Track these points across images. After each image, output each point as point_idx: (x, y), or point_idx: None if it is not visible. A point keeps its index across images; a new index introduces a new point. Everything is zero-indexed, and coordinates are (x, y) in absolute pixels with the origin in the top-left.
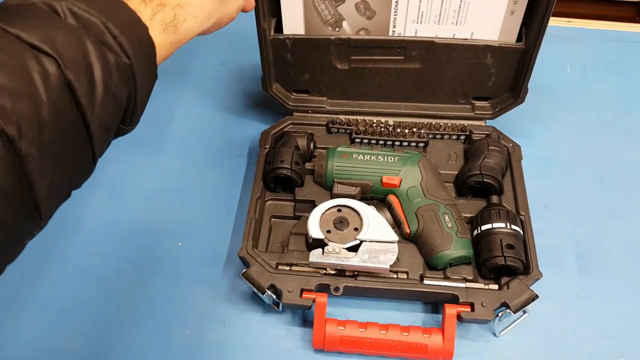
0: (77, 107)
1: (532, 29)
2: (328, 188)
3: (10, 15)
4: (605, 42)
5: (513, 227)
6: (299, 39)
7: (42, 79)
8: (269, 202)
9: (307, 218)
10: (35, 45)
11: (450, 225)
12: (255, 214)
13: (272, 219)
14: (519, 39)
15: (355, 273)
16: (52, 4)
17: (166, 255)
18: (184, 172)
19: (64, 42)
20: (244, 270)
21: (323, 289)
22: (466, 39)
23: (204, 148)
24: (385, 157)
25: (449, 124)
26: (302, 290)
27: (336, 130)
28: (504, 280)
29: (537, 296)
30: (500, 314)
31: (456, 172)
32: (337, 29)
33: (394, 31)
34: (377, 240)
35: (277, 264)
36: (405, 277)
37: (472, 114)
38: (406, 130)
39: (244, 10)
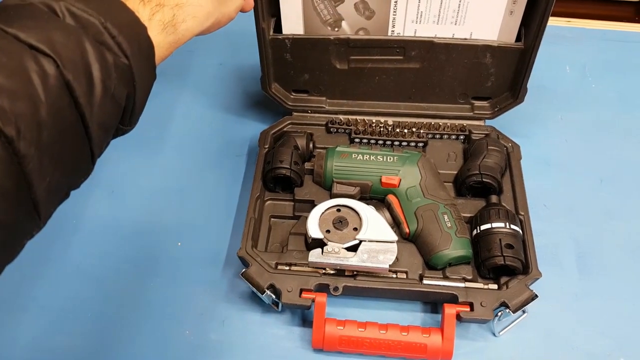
0: (75, 107)
1: (531, 28)
2: (327, 188)
3: (9, 15)
4: (604, 42)
5: (512, 226)
6: (298, 39)
7: (41, 79)
8: (269, 202)
9: (306, 218)
10: (33, 46)
11: (449, 225)
12: (255, 214)
13: (272, 219)
14: (518, 39)
15: (355, 273)
16: (51, 4)
17: (166, 255)
18: (183, 172)
19: (63, 42)
20: (244, 270)
21: (322, 288)
22: (465, 39)
23: (204, 148)
24: (385, 157)
25: (448, 124)
26: (301, 290)
27: (335, 130)
28: (503, 280)
29: (536, 296)
30: (499, 313)
31: (455, 172)
32: (336, 29)
33: (393, 31)
34: (376, 240)
35: (277, 264)
36: (405, 276)
37: (472, 113)
38: (405, 130)
39: (242, 11)
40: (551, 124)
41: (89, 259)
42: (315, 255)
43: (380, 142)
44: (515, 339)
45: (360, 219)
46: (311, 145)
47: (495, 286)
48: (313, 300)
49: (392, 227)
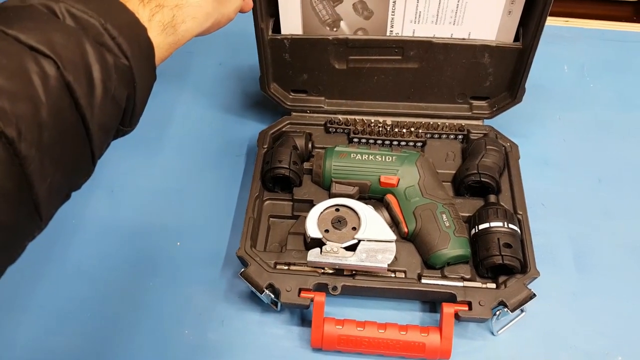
0: (76, 108)
1: (529, 28)
2: (326, 188)
3: (9, 17)
4: (602, 41)
5: (510, 226)
6: (297, 39)
7: (41, 80)
8: (267, 201)
9: (305, 217)
10: (34, 47)
11: (447, 224)
12: (254, 214)
13: (271, 219)
14: (516, 39)
15: (353, 272)
16: (51, 6)
17: (165, 255)
18: (182, 172)
19: (63, 44)
20: (242, 269)
21: (321, 288)
22: (464, 39)
23: (203, 148)
24: (383, 157)
25: (447, 124)
26: (300, 290)
27: (334, 130)
28: (501, 279)
29: (534, 295)
30: (497, 312)
31: (454, 172)
32: (335, 29)
33: (391, 31)
34: (374, 240)
35: (276, 264)
36: (403, 276)
37: (470, 113)
38: (404, 130)
39: (241, 11)
40: (549, 124)
41: (88, 259)
42: (314, 255)
43: (379, 141)
44: (514, 338)
45: (358, 218)
46: (310, 145)
47: (493, 285)
48: (312, 300)
49: (391, 227)
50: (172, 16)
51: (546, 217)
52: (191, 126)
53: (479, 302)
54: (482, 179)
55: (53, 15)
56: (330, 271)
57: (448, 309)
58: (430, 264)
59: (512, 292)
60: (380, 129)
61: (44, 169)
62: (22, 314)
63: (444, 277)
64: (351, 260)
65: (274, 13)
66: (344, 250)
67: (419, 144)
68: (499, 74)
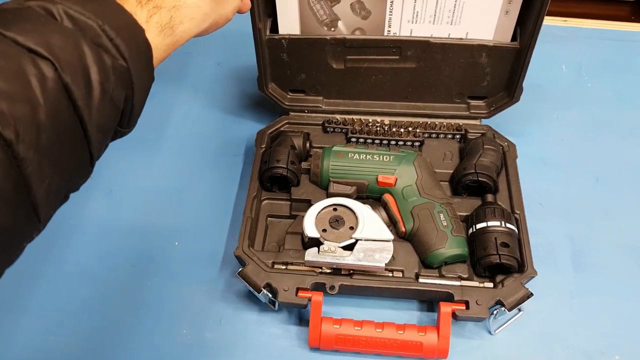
0: (74, 110)
1: (526, 28)
2: (324, 187)
3: (7, 19)
4: (600, 41)
5: (508, 225)
6: (295, 39)
7: (39, 82)
8: (265, 201)
9: (303, 217)
10: (31, 49)
11: (445, 223)
12: (251, 214)
13: (268, 218)
14: (513, 39)
15: (351, 272)
16: (48, 7)
17: (163, 255)
18: (180, 172)
19: (61, 45)
20: (240, 269)
21: (319, 287)
22: (461, 39)
23: (201, 148)
24: (381, 156)
25: (445, 123)
26: (297, 289)
27: (332, 129)
28: (498, 278)
29: (531, 294)
30: (495, 312)
31: (451, 171)
32: (332, 29)
33: (389, 31)
34: (372, 239)
35: (273, 263)
36: (401, 275)
37: (468, 113)
38: (402, 130)
39: (239, 12)
40: (547, 123)
41: (86, 259)
42: (311, 254)
43: (377, 141)
44: (511, 337)
45: (356, 218)
46: (308, 145)
47: (490, 284)
48: (309, 299)
49: (389, 226)
50: (169, 17)
51: (544, 217)
52: (189, 126)
53: (477, 302)
54: (479, 179)
55: (51, 17)
56: (328, 271)
57: (445, 308)
58: (427, 263)
59: (510, 291)
60: (378, 128)
61: (42, 171)
62: (21, 314)
63: (441, 276)
64: (349, 259)
65: (272, 13)
66: (341, 249)
67: (417, 143)
68: (497, 73)
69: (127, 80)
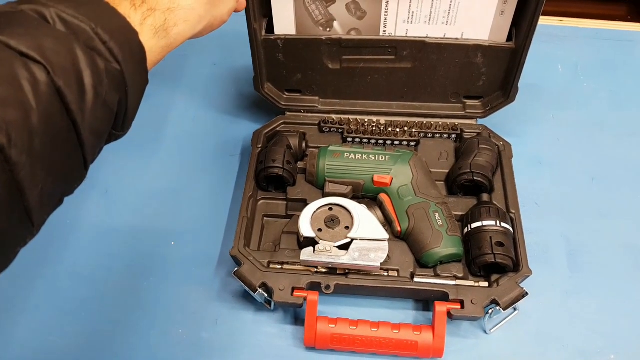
0: (67, 113)
1: (522, 28)
2: (320, 187)
3: None
4: (596, 40)
5: (503, 224)
6: (291, 39)
7: (32, 86)
8: (261, 201)
9: (298, 217)
10: (24, 53)
11: (440, 223)
12: (247, 213)
13: (265, 218)
14: (509, 39)
15: (346, 271)
16: (41, 11)
17: (159, 255)
18: (177, 172)
19: (53, 49)
20: (236, 269)
21: (314, 287)
22: (457, 39)
23: (197, 148)
24: (377, 156)
25: (440, 123)
26: (293, 289)
27: (328, 129)
28: (494, 277)
29: (526, 293)
30: (490, 311)
31: (447, 171)
32: (328, 29)
33: (384, 31)
34: (367, 239)
35: (269, 263)
36: (396, 275)
37: (463, 112)
38: (397, 129)
39: (235, 11)
40: (543, 123)
41: (83, 259)
42: (307, 254)
43: (373, 141)
44: (507, 336)
45: (351, 217)
46: (304, 145)
47: (486, 284)
48: (305, 299)
49: (384, 226)
50: (164, 20)
51: (540, 216)
52: (185, 127)
53: (472, 301)
54: (475, 178)
55: (44, 20)
56: (324, 270)
57: (440, 307)
58: (423, 262)
59: (505, 290)
60: (374, 128)
61: (35, 175)
62: (19, 314)
63: (436, 275)
64: (344, 259)
65: (267, 13)
66: (337, 249)
67: (413, 143)
68: (492, 73)
69: (120, 84)
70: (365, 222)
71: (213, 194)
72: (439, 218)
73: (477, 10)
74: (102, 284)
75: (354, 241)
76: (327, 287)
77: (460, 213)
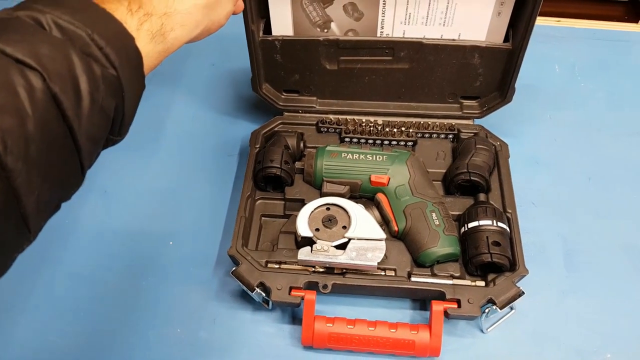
0: (63, 120)
1: (519, 30)
2: (317, 187)
3: None
4: (594, 41)
5: (499, 224)
6: (288, 40)
7: (27, 93)
8: (259, 201)
9: (296, 216)
10: (20, 60)
11: (437, 222)
12: (245, 213)
13: (262, 218)
14: (506, 40)
15: (344, 270)
16: (37, 17)
17: (157, 255)
18: (175, 172)
19: (49, 56)
20: (234, 268)
21: (312, 286)
22: (454, 40)
23: (196, 148)
24: (374, 156)
25: (437, 123)
26: (290, 288)
27: (326, 129)
28: (490, 277)
29: (523, 292)
30: (486, 310)
31: (444, 171)
32: (325, 30)
33: (382, 32)
34: (365, 238)
35: (267, 262)
36: (393, 274)
37: (460, 113)
38: (395, 130)
39: (233, 13)
40: (540, 123)
41: (81, 259)
42: (304, 254)
43: (370, 141)
44: (503, 335)
45: (349, 217)
46: (302, 145)
47: (482, 283)
48: (302, 298)
49: (381, 225)
50: (160, 24)
51: (536, 216)
52: (184, 127)
53: (468, 300)
54: (471, 178)
55: (40, 26)
56: (321, 270)
57: (437, 306)
58: (420, 262)
59: (501, 289)
60: (372, 128)
61: (31, 182)
62: (18, 314)
63: (433, 275)
64: (341, 258)
65: (265, 14)
66: (334, 248)
67: (410, 143)
68: (489, 74)
69: (117, 89)
70: (363, 222)
71: (211, 194)
72: (435, 218)
73: (474, 11)
74: (100, 283)
75: (351, 241)
76: (325, 286)
77: (457, 213)
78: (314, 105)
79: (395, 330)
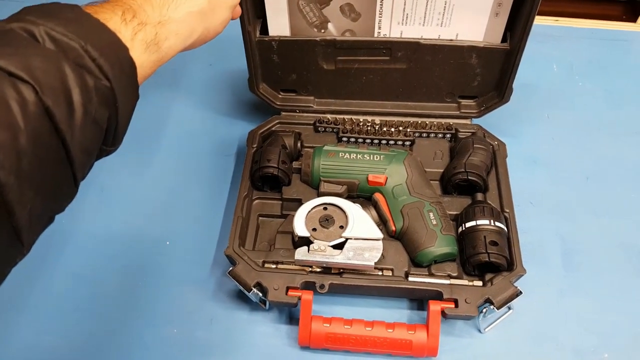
0: (56, 132)
1: (516, 30)
2: (315, 186)
3: None
4: (591, 40)
5: (497, 224)
6: (285, 41)
7: (20, 106)
8: (257, 200)
9: (293, 216)
10: (12, 73)
11: (435, 222)
12: (242, 213)
13: (260, 218)
14: (504, 40)
15: (341, 270)
16: (30, 29)
17: (154, 255)
18: (172, 173)
19: (42, 68)
20: (231, 268)
21: (309, 286)
22: (451, 40)
23: (193, 148)
24: (372, 156)
25: (435, 123)
26: (287, 288)
27: (323, 129)
28: (488, 276)
29: (520, 292)
30: (484, 310)
31: (442, 170)
32: (322, 31)
33: (379, 32)
34: (362, 238)
35: (264, 262)
36: (391, 274)
37: (458, 112)
38: (392, 129)
39: (231, 18)
40: (538, 123)
41: (78, 259)
42: (301, 253)
43: (368, 141)
44: (501, 335)
45: (346, 217)
46: (299, 145)
47: (480, 283)
48: (299, 298)
49: (379, 225)
50: (154, 34)
51: (534, 216)
52: (181, 127)
53: (465, 300)
54: (469, 177)
55: (33, 39)
56: (318, 269)
57: (435, 306)
58: (417, 261)
59: (499, 289)
60: (369, 128)
61: (23, 196)
62: (17, 314)
63: (430, 274)
64: (338, 258)
65: (261, 15)
66: (331, 248)
67: (408, 142)
68: (487, 74)
69: (110, 100)
70: (360, 222)
71: (208, 193)
72: (433, 217)
73: (471, 12)
74: (97, 283)
75: (349, 240)
76: (322, 286)
77: (455, 212)
78: (312, 105)
79: (392, 330)
